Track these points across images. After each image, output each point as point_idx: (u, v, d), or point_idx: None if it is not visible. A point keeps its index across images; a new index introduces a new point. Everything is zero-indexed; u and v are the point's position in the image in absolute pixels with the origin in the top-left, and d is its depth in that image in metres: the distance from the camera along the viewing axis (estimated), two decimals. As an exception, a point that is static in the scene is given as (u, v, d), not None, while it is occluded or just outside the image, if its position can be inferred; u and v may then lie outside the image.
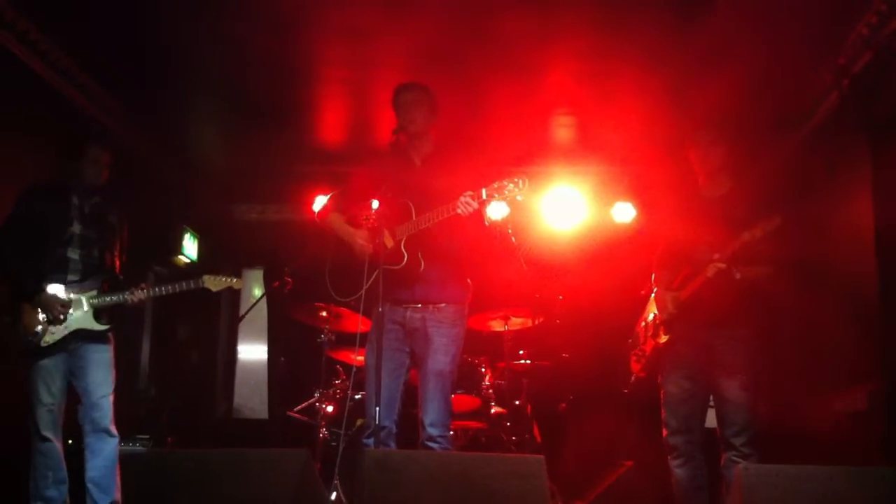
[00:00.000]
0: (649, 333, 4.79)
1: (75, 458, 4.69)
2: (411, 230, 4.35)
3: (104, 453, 4.63)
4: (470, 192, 4.12)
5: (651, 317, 4.82)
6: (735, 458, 4.33)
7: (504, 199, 4.10)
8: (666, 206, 4.95)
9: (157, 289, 4.87)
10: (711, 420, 4.66)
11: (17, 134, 5.55)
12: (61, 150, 4.99)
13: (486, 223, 4.39)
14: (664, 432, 4.59)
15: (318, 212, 4.91)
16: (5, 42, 5.43)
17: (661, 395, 4.64)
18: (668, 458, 4.58)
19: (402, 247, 4.36)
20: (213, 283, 4.91)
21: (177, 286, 4.89)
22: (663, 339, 4.64)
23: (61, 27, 5.65)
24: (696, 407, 4.58)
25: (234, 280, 4.99)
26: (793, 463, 3.52)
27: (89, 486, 4.60)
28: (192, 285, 4.89)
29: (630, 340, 4.99)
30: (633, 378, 4.93)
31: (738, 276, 4.31)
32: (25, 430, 4.60)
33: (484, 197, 4.10)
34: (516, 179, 4.04)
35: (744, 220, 4.30)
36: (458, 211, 4.14)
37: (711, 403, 4.64)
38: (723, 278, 4.32)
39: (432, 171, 4.52)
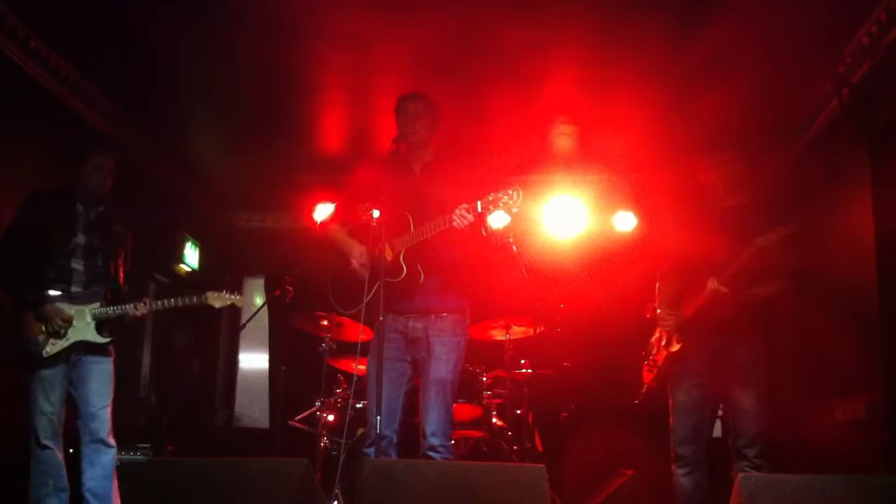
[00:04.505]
0: (662, 343, 4.78)
1: (75, 468, 4.68)
2: (409, 242, 4.35)
3: (101, 463, 4.64)
4: (465, 205, 4.12)
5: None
6: (747, 470, 4.29)
7: (499, 210, 4.09)
8: (673, 215, 4.92)
9: (159, 303, 4.87)
10: (717, 430, 4.66)
11: (17, 141, 5.54)
12: (64, 157, 4.99)
13: (485, 233, 4.38)
14: (672, 441, 4.57)
15: (320, 224, 4.92)
16: (5, 49, 5.45)
17: (671, 404, 4.61)
18: (674, 466, 4.54)
19: (402, 259, 4.36)
20: (216, 299, 4.93)
21: (179, 301, 4.89)
22: (675, 347, 4.62)
23: (62, 35, 5.67)
24: (704, 416, 4.55)
25: (237, 297, 5.00)
26: (793, 471, 3.51)
27: (87, 496, 4.60)
28: (195, 301, 4.90)
29: (644, 352, 4.96)
30: (644, 388, 4.90)
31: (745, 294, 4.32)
32: (26, 438, 4.59)
33: (479, 209, 4.10)
34: (510, 191, 4.04)
35: (761, 229, 4.29)
36: (454, 223, 4.15)
37: (719, 413, 4.63)
38: (728, 297, 4.33)
39: (431, 181, 4.52)
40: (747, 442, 4.37)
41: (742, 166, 4.66)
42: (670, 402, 4.61)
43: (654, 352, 4.84)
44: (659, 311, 4.77)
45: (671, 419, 4.59)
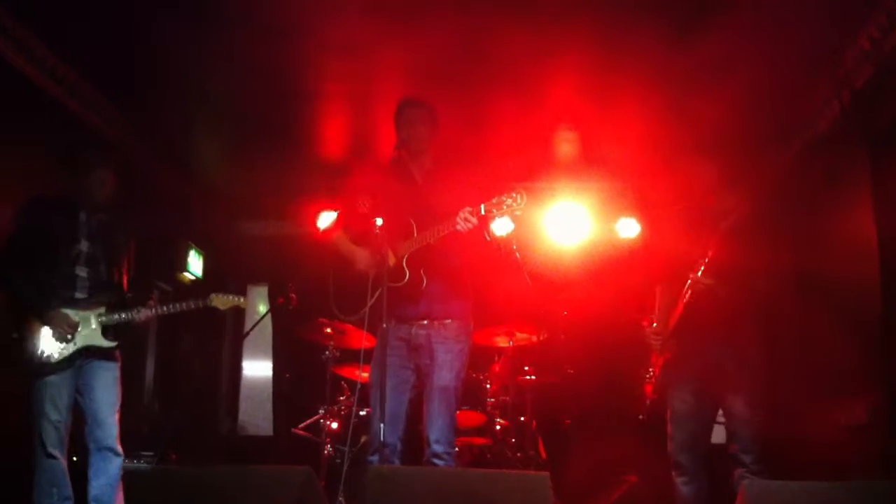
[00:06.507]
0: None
1: (80, 477, 4.68)
2: (412, 247, 4.37)
3: (108, 472, 4.64)
4: (469, 209, 4.13)
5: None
6: (746, 476, 4.28)
7: (503, 214, 4.09)
8: (668, 219, 4.96)
9: (164, 307, 4.88)
10: (718, 436, 4.65)
11: (15, 143, 5.50)
12: (66, 161, 4.98)
13: (488, 238, 4.39)
14: (669, 447, 4.57)
15: (323, 231, 4.93)
16: (2, 50, 5.42)
17: (668, 413, 4.62)
18: (673, 473, 4.54)
19: (404, 264, 4.37)
20: (221, 301, 4.95)
21: (184, 305, 4.90)
22: (669, 354, 4.63)
23: (60, 37, 5.65)
24: (701, 423, 4.55)
25: (242, 299, 5.02)
26: (793, 476, 3.51)
27: (92, 504, 4.60)
28: (200, 304, 4.92)
29: (645, 370, 4.96)
30: (647, 402, 4.91)
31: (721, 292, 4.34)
32: (30, 446, 4.58)
33: (483, 213, 4.10)
34: (514, 194, 4.05)
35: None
36: (458, 227, 4.15)
37: (720, 419, 4.63)
38: (708, 293, 4.35)
39: (433, 187, 4.54)
40: (742, 447, 4.37)
41: (712, 168, 4.69)
42: (668, 410, 4.61)
43: (653, 366, 4.85)
44: (655, 324, 4.78)
45: (669, 427, 4.59)
